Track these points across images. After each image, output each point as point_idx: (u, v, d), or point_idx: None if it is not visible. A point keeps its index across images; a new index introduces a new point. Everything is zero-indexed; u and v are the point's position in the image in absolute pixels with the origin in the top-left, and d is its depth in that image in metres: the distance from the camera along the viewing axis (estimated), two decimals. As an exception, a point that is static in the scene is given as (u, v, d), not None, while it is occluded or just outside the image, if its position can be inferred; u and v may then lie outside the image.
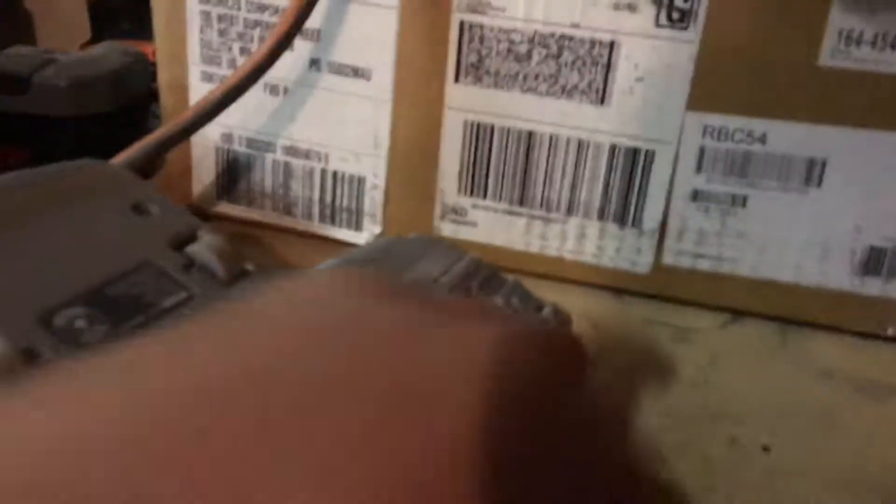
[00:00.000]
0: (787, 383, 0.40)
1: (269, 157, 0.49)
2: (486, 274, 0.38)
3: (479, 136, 0.45)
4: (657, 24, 0.41)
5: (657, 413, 0.37)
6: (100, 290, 0.25)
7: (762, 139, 0.41)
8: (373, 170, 0.47)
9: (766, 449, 0.35)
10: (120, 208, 0.31)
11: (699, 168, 0.43)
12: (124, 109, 0.52)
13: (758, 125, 0.41)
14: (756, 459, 0.35)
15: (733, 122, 0.41)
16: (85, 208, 0.29)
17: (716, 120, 0.41)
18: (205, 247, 0.30)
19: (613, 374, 0.40)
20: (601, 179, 0.44)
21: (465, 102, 0.44)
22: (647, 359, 0.42)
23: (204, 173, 0.50)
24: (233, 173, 0.50)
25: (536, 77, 0.43)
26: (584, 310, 0.45)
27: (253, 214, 0.50)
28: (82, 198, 0.30)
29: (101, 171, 0.34)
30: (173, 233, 0.30)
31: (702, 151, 0.42)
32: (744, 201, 0.43)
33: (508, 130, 0.44)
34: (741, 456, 0.35)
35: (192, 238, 0.31)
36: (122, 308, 0.25)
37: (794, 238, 0.43)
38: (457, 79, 0.44)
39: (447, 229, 0.47)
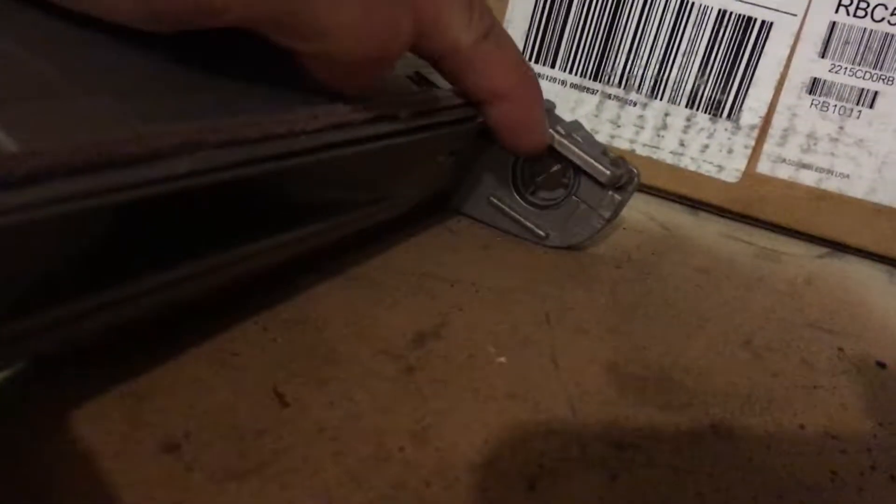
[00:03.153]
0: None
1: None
2: (546, 106, 0.30)
3: (559, -15, 0.37)
4: None
5: (747, 313, 0.29)
6: None
7: (911, 20, 0.33)
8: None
9: (881, 365, 0.27)
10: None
11: (824, 52, 0.35)
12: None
13: (908, 1, 0.33)
14: (868, 371, 0.27)
15: (878, -6, 0.33)
16: None
17: (856, -10, 0.34)
18: None
19: (687, 271, 0.32)
20: (699, 54, 0.36)
21: (550, -62, 0.37)
22: (728, 265, 0.34)
23: None
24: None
25: (643, -86, 0.36)
26: (648, 213, 0.37)
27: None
28: None
29: None
30: None
31: (831, 29, 0.34)
32: (872, 100, 0.35)
33: (597, -18, 0.37)
34: (850, 365, 0.27)
35: None
36: None
37: (929, 153, 0.35)
38: None
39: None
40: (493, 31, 0.25)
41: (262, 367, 0.20)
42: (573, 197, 0.30)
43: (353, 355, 0.22)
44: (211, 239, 0.18)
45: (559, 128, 0.29)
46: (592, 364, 0.24)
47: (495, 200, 0.31)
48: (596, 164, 0.29)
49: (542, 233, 0.31)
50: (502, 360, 0.23)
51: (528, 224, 0.31)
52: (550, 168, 0.30)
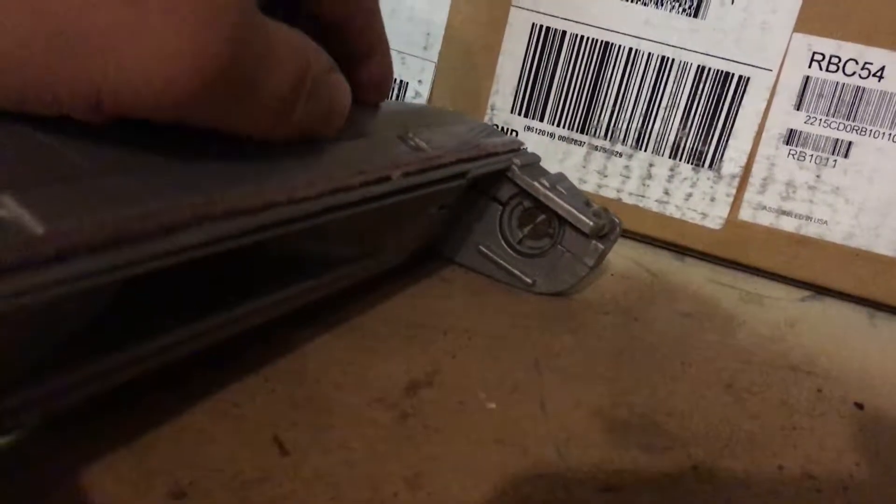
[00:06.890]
0: (879, 355, 0.33)
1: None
2: (531, 159, 0.32)
3: (545, 43, 0.39)
4: (774, -75, 0.35)
5: (730, 357, 0.30)
6: None
7: (879, 74, 0.35)
8: (418, 74, 0.42)
9: (859, 406, 0.28)
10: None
11: (799, 104, 0.36)
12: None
13: (877, 56, 0.35)
14: (846, 412, 0.28)
15: (848, 49, 0.35)
16: None
17: (827, 46, 0.35)
18: None
19: (672, 316, 0.33)
20: (681, 107, 0.38)
21: (535, 1, 0.39)
22: (713, 309, 0.35)
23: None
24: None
25: (623, -23, 0.38)
26: (636, 260, 0.38)
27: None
28: None
29: None
30: None
31: (805, 83, 0.36)
32: (847, 150, 0.36)
33: (581, 39, 0.39)
34: (829, 406, 0.28)
35: None
36: None
37: (903, 200, 0.36)
38: (531, -28, 0.39)
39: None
40: None
41: (263, 417, 0.21)
42: (558, 246, 0.31)
43: (349, 404, 0.23)
44: (213, 300, 0.19)
45: (544, 180, 0.31)
46: (579, 408, 0.25)
47: (484, 249, 0.32)
48: (579, 214, 0.30)
49: (529, 280, 0.32)
50: (492, 405, 0.24)
51: (516, 272, 0.32)
52: (536, 219, 0.31)
